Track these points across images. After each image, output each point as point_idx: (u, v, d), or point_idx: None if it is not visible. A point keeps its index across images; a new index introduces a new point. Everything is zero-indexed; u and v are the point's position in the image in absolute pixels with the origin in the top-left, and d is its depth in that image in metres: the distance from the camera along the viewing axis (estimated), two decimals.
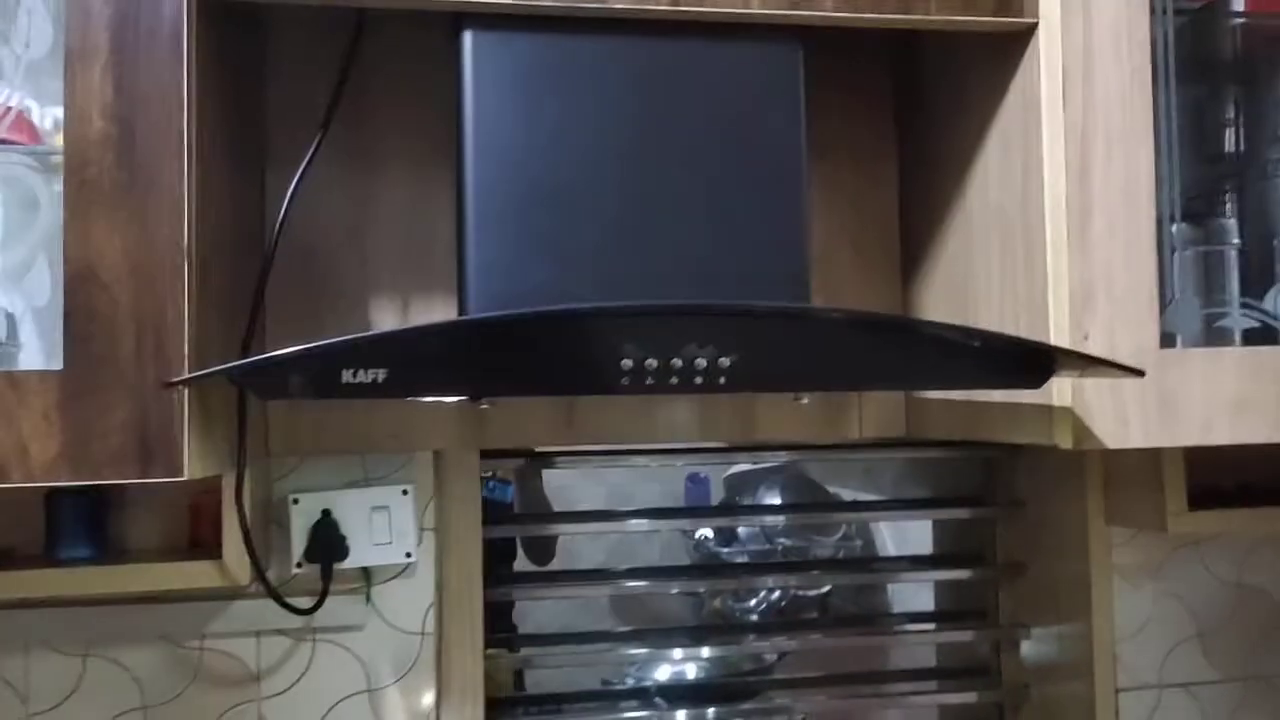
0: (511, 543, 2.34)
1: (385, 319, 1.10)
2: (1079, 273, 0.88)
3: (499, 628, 2.10)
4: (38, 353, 0.88)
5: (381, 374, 0.70)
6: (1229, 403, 0.88)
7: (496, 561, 2.14)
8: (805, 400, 1.08)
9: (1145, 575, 1.26)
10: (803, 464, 3.05)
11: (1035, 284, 0.91)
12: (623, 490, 3.43)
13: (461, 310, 0.85)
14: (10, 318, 0.86)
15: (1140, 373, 0.80)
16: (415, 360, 0.72)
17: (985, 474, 1.43)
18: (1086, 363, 0.80)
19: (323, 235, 1.10)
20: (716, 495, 3.35)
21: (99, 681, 1.09)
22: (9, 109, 0.82)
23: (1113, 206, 0.88)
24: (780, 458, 2.76)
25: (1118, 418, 0.87)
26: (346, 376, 0.70)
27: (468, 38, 0.86)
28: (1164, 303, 0.92)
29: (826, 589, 3.04)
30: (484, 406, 1.06)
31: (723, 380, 0.74)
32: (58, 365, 0.76)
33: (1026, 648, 1.37)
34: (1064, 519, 1.28)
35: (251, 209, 1.03)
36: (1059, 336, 0.88)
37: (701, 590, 2.97)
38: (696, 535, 3.15)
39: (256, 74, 1.07)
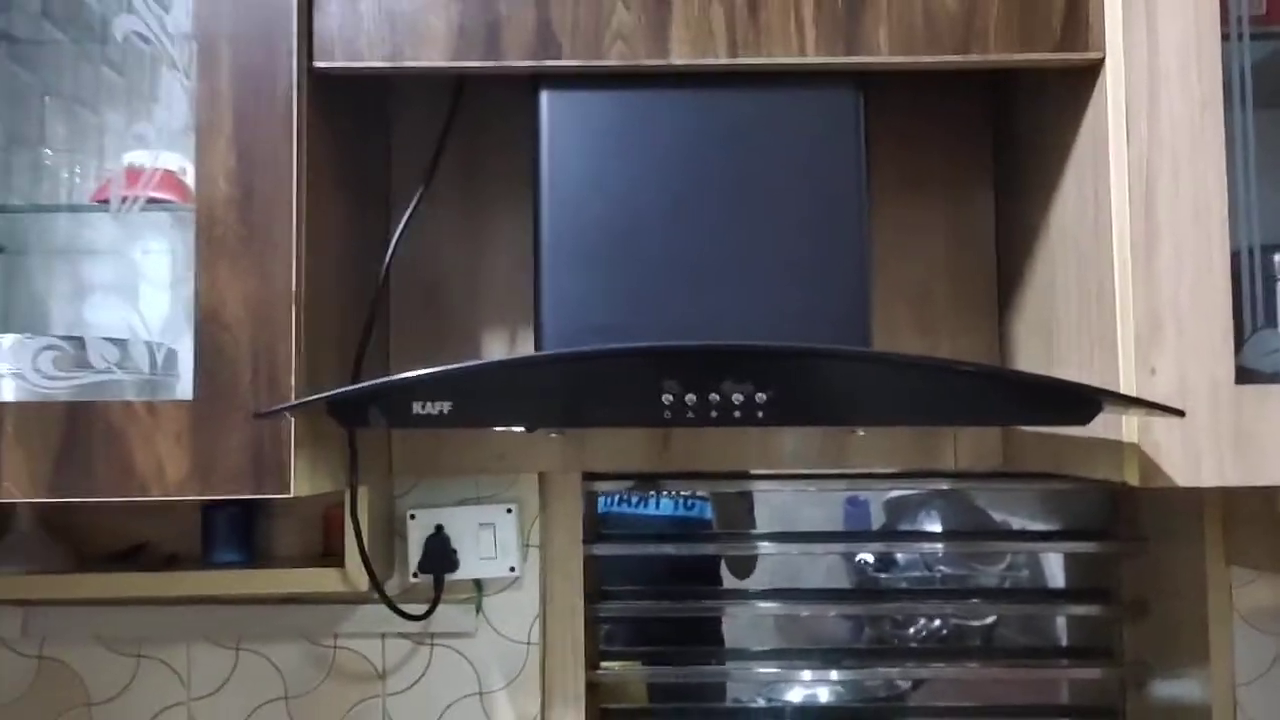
0: (712, 560, 2.42)
1: (495, 349, 1.21)
2: (1145, 306, 0.87)
3: (706, 640, 2.19)
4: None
5: (447, 406, 0.79)
6: None
7: (694, 579, 2.22)
8: (861, 433, 1.10)
9: (1270, 618, 1.20)
10: (968, 491, 2.98)
11: (1105, 317, 0.90)
12: (786, 512, 3.44)
13: (537, 345, 0.92)
14: (166, 350, 1.00)
15: (1180, 413, 0.79)
16: (476, 394, 0.80)
17: (1112, 508, 1.39)
18: (1125, 401, 0.79)
19: (442, 273, 1.22)
20: (877, 519, 3.32)
21: (249, 672, 1.24)
22: (156, 170, 0.96)
23: (1181, 238, 0.86)
24: (940, 484, 2.71)
25: (1188, 454, 0.86)
26: (416, 408, 0.79)
27: (544, 97, 0.94)
28: (1244, 336, 0.89)
29: (991, 620, 2.95)
30: (552, 436, 1.14)
31: (760, 414, 0.79)
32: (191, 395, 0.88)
33: (1152, 688, 1.32)
34: (1183, 558, 1.23)
35: (374, 251, 1.15)
36: (1126, 371, 0.87)
37: (859, 613, 2.94)
38: (856, 559, 3.12)
39: (380, 131, 1.20)
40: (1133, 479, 0.87)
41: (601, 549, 1.30)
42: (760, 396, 0.78)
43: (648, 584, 1.58)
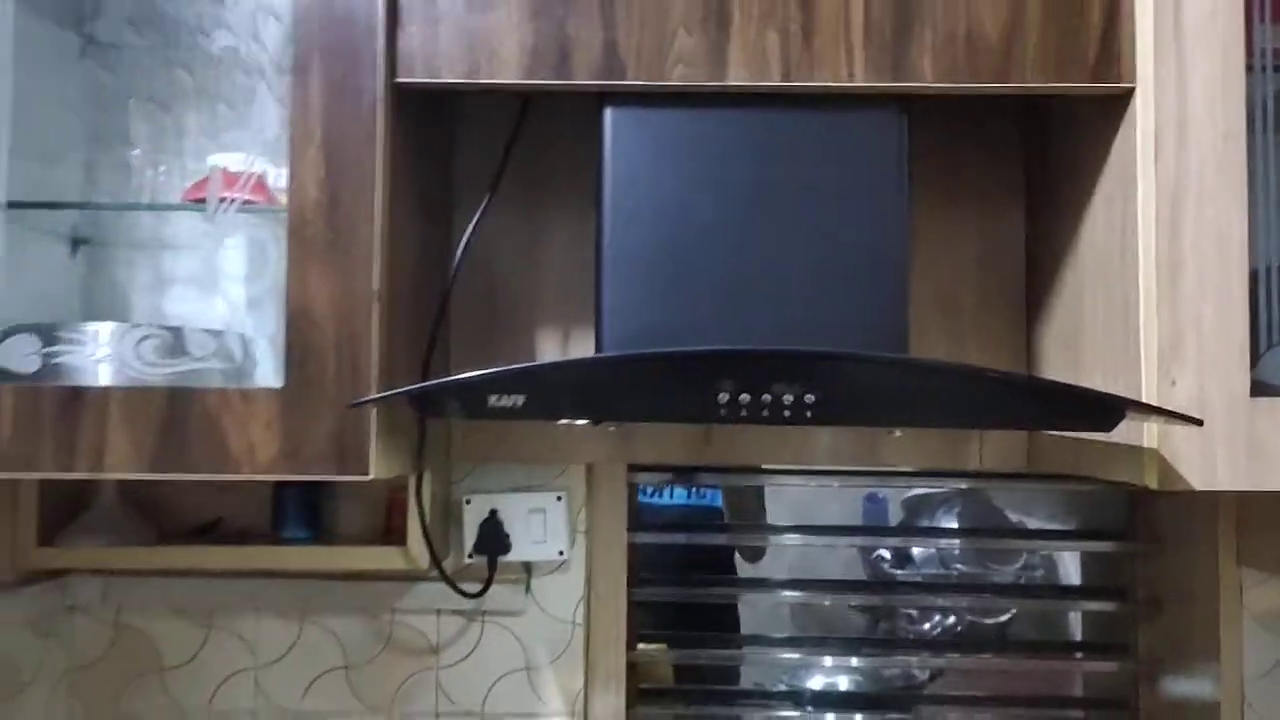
0: (727, 546, 2.55)
1: (549, 346, 1.28)
2: (1168, 323, 0.93)
3: (725, 625, 2.30)
4: (270, 372, 1.09)
5: (520, 399, 0.86)
6: None
7: (711, 563, 2.34)
8: (898, 433, 1.17)
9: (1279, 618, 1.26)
10: (986, 491, 3.04)
11: (1130, 331, 0.97)
12: (805, 507, 3.51)
13: (598, 344, 1.00)
14: (251, 342, 1.08)
15: (1198, 422, 0.85)
16: (546, 389, 0.87)
17: (1130, 509, 1.46)
18: (1147, 410, 0.86)
19: (500, 274, 1.29)
20: (895, 517, 3.38)
21: (312, 642, 1.32)
22: (251, 175, 1.03)
23: (1203, 261, 0.93)
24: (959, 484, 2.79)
25: (1205, 461, 0.92)
26: (492, 401, 0.86)
27: (608, 113, 1.01)
28: (1260, 351, 0.95)
29: (1005, 618, 3.01)
30: (611, 429, 1.21)
31: (808, 414, 0.86)
32: (279, 384, 0.95)
33: (1164, 683, 1.38)
34: (1197, 559, 1.29)
35: (438, 253, 1.22)
36: (1148, 382, 0.94)
37: (876, 604, 3.00)
38: (873, 555, 3.19)
39: (446, 142, 1.27)
40: (1152, 482, 0.93)
41: (644, 537, 1.37)
42: (809, 398, 0.85)
43: (668, 569, 1.66)
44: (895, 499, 3.42)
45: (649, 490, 2.45)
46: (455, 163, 1.29)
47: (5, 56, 1.02)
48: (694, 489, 2.50)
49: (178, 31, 1.17)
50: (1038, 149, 1.26)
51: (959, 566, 3.07)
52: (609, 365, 0.89)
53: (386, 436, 0.97)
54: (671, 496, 2.50)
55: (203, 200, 1.03)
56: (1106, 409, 0.86)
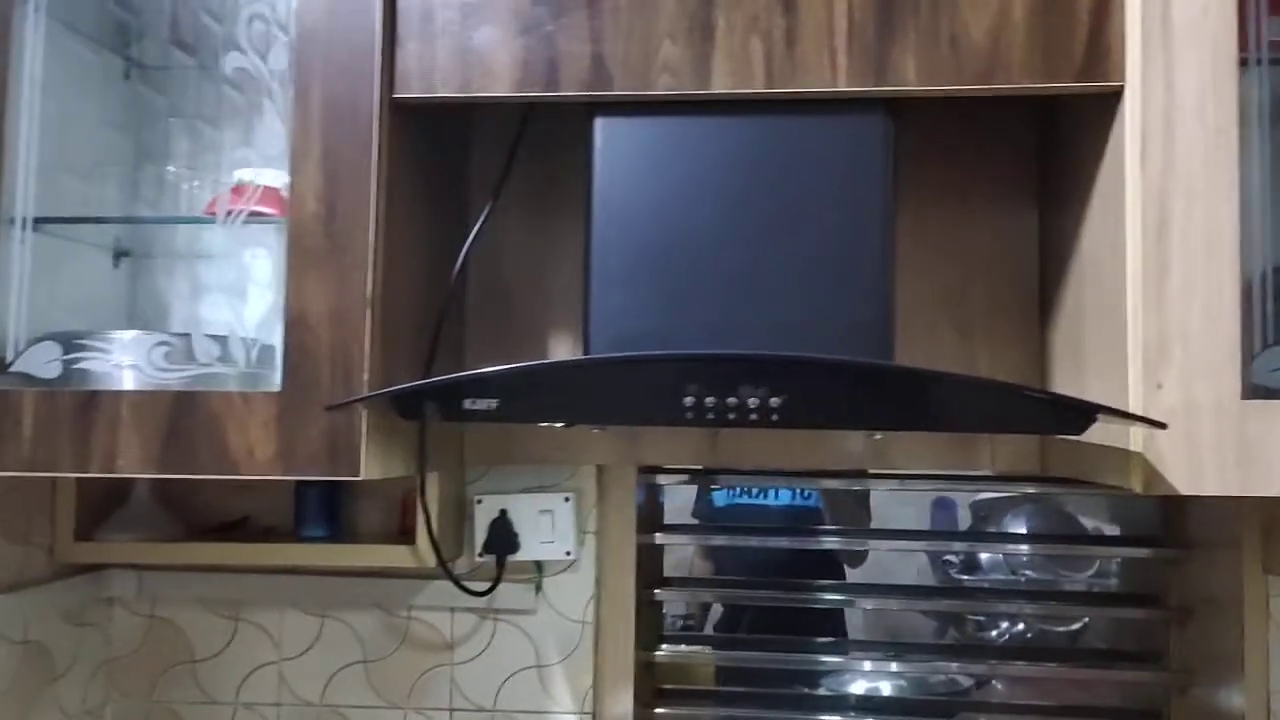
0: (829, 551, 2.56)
1: (560, 348, 1.31)
2: (1154, 326, 0.91)
3: (831, 631, 2.33)
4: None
5: (494, 403, 0.89)
6: None
7: (815, 567, 2.37)
8: (879, 436, 1.16)
9: None
10: (1058, 498, 2.97)
11: (1119, 333, 0.95)
12: (880, 511, 3.49)
13: (585, 348, 1.02)
14: (260, 346, 1.12)
15: (1162, 425, 0.83)
16: (519, 394, 0.90)
17: (1162, 514, 1.42)
18: (1112, 414, 0.84)
19: (513, 277, 1.32)
20: (964, 522, 3.32)
21: (332, 637, 1.37)
22: (257, 188, 1.08)
23: (1192, 263, 0.90)
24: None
25: (1192, 464, 0.89)
26: (468, 404, 0.89)
27: (598, 123, 1.03)
28: (1254, 352, 0.92)
29: (1077, 626, 2.94)
30: (594, 431, 1.23)
31: (774, 417, 0.86)
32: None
33: (1194, 692, 1.34)
34: (1224, 565, 1.25)
35: (450, 258, 1.25)
36: (1135, 384, 0.91)
37: (944, 609, 2.97)
38: (941, 560, 3.15)
39: (459, 149, 1.30)
40: (1137, 486, 0.91)
41: (660, 538, 1.39)
42: (774, 401, 0.86)
43: (772, 572, 1.65)
44: (964, 504, 3.37)
45: (754, 492, 2.49)
46: (469, 169, 1.32)
47: (38, 78, 1.09)
48: (800, 491, 2.53)
49: (207, 52, 1.23)
50: (1050, 146, 1.24)
51: (1028, 573, 3.01)
52: (576, 369, 0.91)
53: (380, 438, 1.01)
54: (777, 498, 2.54)
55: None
56: (1071, 413, 0.84)
